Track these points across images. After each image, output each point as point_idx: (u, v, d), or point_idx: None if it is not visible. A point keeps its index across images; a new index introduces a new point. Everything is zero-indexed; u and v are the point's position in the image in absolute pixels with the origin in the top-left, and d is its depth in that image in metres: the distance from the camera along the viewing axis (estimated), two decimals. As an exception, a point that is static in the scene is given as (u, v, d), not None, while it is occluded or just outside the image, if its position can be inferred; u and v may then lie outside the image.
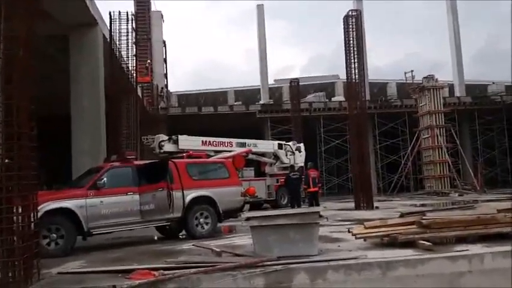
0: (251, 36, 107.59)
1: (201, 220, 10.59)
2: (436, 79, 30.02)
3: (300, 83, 31.35)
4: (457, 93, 36.65)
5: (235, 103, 39.23)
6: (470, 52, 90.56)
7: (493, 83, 40.09)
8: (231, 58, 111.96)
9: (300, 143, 23.14)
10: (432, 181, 28.86)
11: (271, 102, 37.39)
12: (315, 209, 9.61)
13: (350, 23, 18.62)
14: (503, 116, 33.88)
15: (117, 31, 18.90)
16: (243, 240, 9.29)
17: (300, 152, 22.33)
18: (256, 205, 19.53)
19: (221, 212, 10.81)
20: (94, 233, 9.28)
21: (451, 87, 37.38)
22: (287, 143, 22.23)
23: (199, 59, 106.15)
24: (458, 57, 37.56)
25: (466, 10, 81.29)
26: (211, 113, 33.15)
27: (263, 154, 21.34)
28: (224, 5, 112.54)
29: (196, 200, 10.51)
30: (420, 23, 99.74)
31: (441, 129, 29.13)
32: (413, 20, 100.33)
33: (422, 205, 18.98)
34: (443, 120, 29.33)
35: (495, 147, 35.38)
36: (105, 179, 9.56)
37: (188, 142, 17.98)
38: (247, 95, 44.58)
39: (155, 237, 11.43)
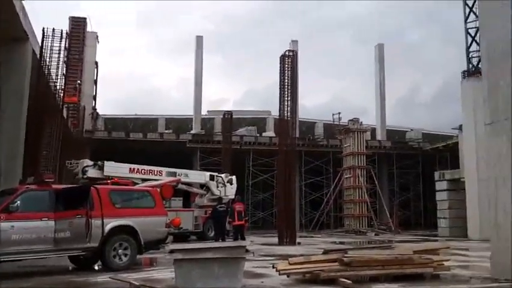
0: (186, 65, 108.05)
1: (120, 251, 10.03)
2: (361, 122, 31.70)
3: (234, 116, 31.67)
4: (379, 137, 38.85)
5: (166, 131, 38.62)
6: (392, 98, 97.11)
7: (411, 129, 43.03)
8: (164, 85, 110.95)
9: (232, 175, 23.18)
10: (351, 220, 29.97)
11: (203, 133, 37.27)
12: (242, 243, 9.54)
13: (286, 63, 19.29)
14: (419, 162, 36.36)
15: (49, 48, 18.05)
16: (164, 274, 8.96)
17: (231, 184, 22.35)
18: (182, 237, 19.07)
19: (142, 243, 10.34)
20: (1, 260, 8.50)
21: (373, 131, 39.59)
22: (219, 175, 22.18)
23: (130, 83, 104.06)
24: (381, 103, 40.04)
25: (392, 58, 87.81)
26: (140, 139, 32.31)
27: (190, 184, 21.08)
28: (160, 31, 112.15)
29: (116, 229, 10.00)
30: (350, 68, 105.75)
31: (362, 170, 30.58)
32: (344, 64, 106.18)
33: (341, 243, 19.59)
34: (364, 161, 30.85)
35: (410, 191, 37.66)
36: (18, 202, 8.93)
37: (114, 169, 17.33)
38: (178, 124, 44.15)
39: (70, 268, 10.69)
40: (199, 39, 39.41)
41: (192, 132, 36.42)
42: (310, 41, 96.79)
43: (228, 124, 30.33)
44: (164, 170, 19.27)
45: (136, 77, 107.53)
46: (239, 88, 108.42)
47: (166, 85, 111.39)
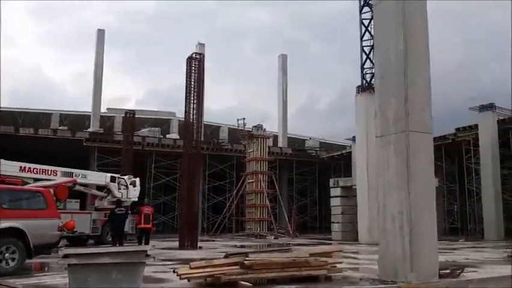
0: (86, 60, 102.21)
1: (6, 255, 9.29)
2: (264, 129, 32.61)
3: (136, 116, 30.65)
4: (280, 144, 40.28)
5: (60, 127, 36.18)
6: (294, 107, 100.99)
7: (310, 138, 45.23)
8: (59, 78, 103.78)
9: (136, 177, 22.42)
10: (252, 223, 30.62)
11: (102, 131, 35.54)
12: (142, 247, 9.26)
13: (193, 65, 19.16)
14: (316, 169, 38.31)
15: None
16: (56, 280, 8.42)
17: (134, 186, 21.62)
18: (79, 241, 18.02)
19: (32, 246, 9.62)
20: None
21: (276, 137, 40.95)
22: (122, 177, 21.35)
23: (20, 73, 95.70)
24: (283, 111, 41.62)
25: (295, 67, 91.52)
26: (30, 135, 29.89)
27: (89, 185, 20.05)
28: (58, 22, 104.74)
29: (3, 232, 9.23)
30: (255, 74, 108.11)
31: (264, 175, 31.43)
32: (249, 70, 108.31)
33: (242, 246, 19.90)
34: (266, 167, 31.76)
35: (307, 196, 39.52)
36: None
37: (3, 167, 15.81)
38: (75, 120, 41.64)
39: None
40: (101, 33, 37.71)
41: (90, 130, 34.59)
42: (217, 45, 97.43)
43: (130, 123, 29.23)
44: (60, 170, 18.07)
45: (28, 68, 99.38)
46: (142, 87, 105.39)
47: (63, 79, 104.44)
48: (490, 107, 25.79)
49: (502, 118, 26.16)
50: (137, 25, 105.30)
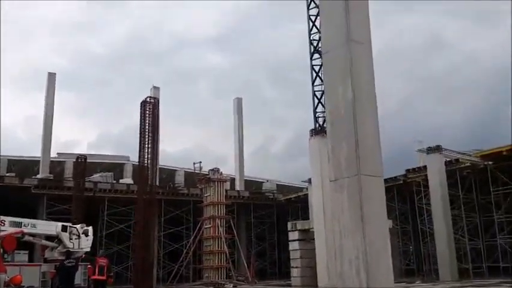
0: (35, 102, 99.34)
1: None
2: (221, 172, 32.36)
3: (88, 160, 29.77)
4: (237, 187, 40.02)
5: (7, 174, 34.48)
6: (250, 149, 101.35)
7: (267, 180, 45.30)
8: (7, 122, 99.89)
9: (89, 226, 21.47)
10: (210, 271, 29.72)
11: (51, 177, 34.12)
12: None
13: (147, 109, 19.06)
14: (274, 212, 38.17)
15: None
16: None
17: (87, 236, 20.66)
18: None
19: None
20: None
21: (233, 180, 40.70)
22: (74, 226, 20.46)
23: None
24: (240, 154, 41.61)
25: (251, 110, 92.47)
26: (-27, 182, 28.27)
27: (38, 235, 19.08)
28: (5, 63, 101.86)
29: None
30: (212, 116, 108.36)
31: (222, 220, 30.91)
32: (206, 112, 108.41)
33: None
34: (224, 211, 31.29)
35: (266, 240, 39.08)
36: None
37: None
38: (23, 166, 39.85)
39: None
40: (52, 76, 36.92)
41: (39, 176, 33.15)
42: (173, 87, 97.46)
43: (81, 169, 28.34)
44: (7, 219, 17.13)
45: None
46: (94, 130, 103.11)
47: (10, 123, 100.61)
48: (437, 149, 26.81)
49: (449, 160, 27.29)
50: (90, 66, 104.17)
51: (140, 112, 18.91)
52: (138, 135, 20.16)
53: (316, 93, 23.69)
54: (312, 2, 23.28)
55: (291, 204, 37.80)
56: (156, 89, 36.63)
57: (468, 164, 26.86)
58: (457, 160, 27.10)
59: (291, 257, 26.06)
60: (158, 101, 19.89)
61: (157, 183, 26.70)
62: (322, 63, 16.20)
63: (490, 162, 26.20)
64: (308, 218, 28.96)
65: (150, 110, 18.88)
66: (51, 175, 35.46)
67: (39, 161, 36.45)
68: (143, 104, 18.98)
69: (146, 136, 18.87)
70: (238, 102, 42.49)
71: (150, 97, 20.25)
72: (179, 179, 41.50)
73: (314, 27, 23.22)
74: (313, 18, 23.19)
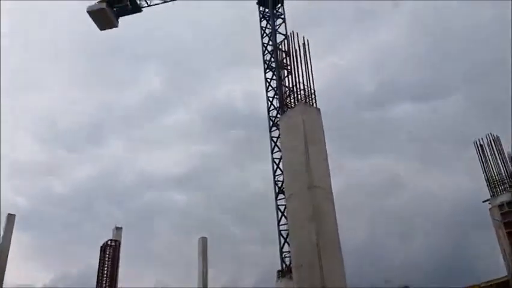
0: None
1: None
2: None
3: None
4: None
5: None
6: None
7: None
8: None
9: None
10: None
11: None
12: None
13: (108, 252, 18.35)
14: None
15: None
16: None
17: None
18: None
19: None
20: None
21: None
22: None
23: None
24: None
25: (216, 249, 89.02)
26: None
27: None
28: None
29: None
30: (175, 256, 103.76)
31: None
32: (169, 252, 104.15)
33: None
34: None
35: None
36: None
37: None
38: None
39: None
40: (11, 218, 35.51)
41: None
42: (135, 226, 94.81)
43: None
44: None
45: None
46: (50, 272, 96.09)
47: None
48: (405, 288, 26.47)
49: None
50: (48, 206, 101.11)
51: (100, 255, 18.16)
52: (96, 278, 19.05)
53: (282, 232, 23.72)
54: (276, 147, 24.72)
55: None
56: (119, 229, 35.57)
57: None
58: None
59: None
60: (119, 243, 19.31)
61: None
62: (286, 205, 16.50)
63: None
64: None
65: (110, 254, 18.16)
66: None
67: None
68: (104, 247, 18.34)
69: (105, 278, 17.86)
70: (203, 241, 41.37)
71: (111, 240, 19.66)
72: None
73: (278, 169, 24.25)
74: (277, 161, 24.34)
